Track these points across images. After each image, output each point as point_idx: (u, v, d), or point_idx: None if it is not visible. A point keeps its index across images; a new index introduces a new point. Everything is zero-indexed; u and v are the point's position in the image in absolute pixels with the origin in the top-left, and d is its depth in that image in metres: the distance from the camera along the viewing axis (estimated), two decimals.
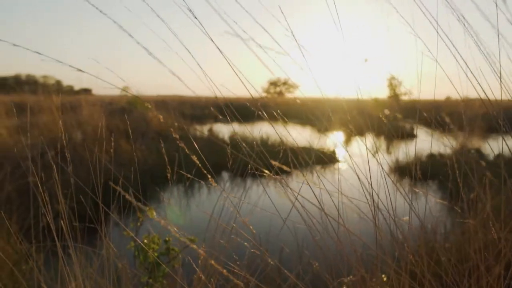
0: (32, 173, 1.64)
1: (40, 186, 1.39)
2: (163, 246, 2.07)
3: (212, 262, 1.26)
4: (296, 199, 1.32)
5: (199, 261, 1.76)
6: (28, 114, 1.52)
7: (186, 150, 1.72)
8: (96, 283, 1.90)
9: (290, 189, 1.30)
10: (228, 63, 1.28)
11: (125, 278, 1.92)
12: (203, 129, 10.51)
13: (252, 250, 1.61)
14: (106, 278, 1.63)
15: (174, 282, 2.00)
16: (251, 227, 1.55)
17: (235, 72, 1.26)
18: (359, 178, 1.40)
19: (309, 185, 1.34)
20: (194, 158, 1.17)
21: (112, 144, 2.04)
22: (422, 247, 1.69)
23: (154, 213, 2.03)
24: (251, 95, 1.42)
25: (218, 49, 1.34)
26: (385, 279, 1.75)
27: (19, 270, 2.43)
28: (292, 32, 1.34)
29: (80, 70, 0.97)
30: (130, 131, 2.58)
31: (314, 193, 1.34)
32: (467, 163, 1.94)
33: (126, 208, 1.95)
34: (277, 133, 1.58)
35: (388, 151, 8.10)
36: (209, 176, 1.56)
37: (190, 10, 1.09)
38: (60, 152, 1.94)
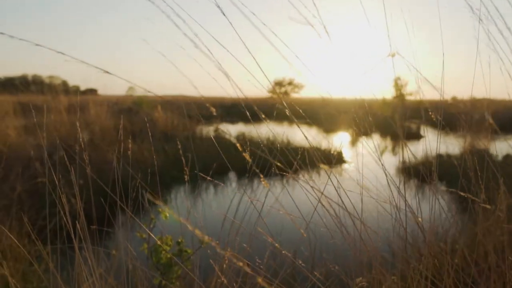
0: (47, 173, 1.64)
1: (58, 188, 1.38)
2: (175, 248, 2.06)
3: (241, 264, 1.25)
4: (319, 199, 1.30)
5: (214, 262, 1.74)
6: (44, 114, 1.51)
7: (193, 150, 1.70)
8: (109, 285, 1.89)
9: (313, 188, 1.28)
10: (244, 66, 1.26)
11: (139, 279, 1.90)
12: (210, 129, 10.50)
13: (271, 250, 1.60)
14: (124, 282, 1.61)
15: (187, 284, 1.99)
16: (264, 228, 1.53)
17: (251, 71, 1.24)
18: (388, 179, 1.38)
19: (333, 184, 1.32)
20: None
21: (124, 144, 2.02)
22: (446, 246, 1.67)
23: (168, 215, 2.02)
24: (275, 94, 1.40)
25: (246, 47, 1.32)
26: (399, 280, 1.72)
27: (32, 271, 2.43)
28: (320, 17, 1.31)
29: (107, 72, 0.96)
30: (135, 131, 2.57)
31: (338, 193, 1.32)
32: (478, 163, 1.91)
33: (134, 208, 1.94)
34: (303, 133, 1.55)
35: (398, 151, 8.05)
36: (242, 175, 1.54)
37: (218, 6, 1.08)
38: (69, 152, 1.94)
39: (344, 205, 1.30)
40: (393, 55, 1.60)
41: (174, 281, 1.95)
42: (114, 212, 1.95)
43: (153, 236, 1.79)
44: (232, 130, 11.41)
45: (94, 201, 2.03)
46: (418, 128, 12.80)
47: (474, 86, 1.75)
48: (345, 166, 7.83)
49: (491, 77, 1.74)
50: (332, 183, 1.33)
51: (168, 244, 2.05)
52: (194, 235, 1.92)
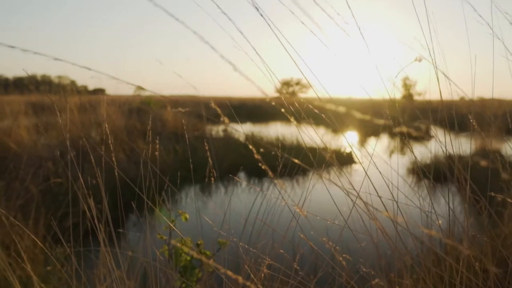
0: (70, 174, 1.62)
1: (86, 189, 1.36)
2: (194, 249, 2.03)
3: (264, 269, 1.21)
4: (354, 201, 1.27)
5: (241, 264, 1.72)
6: (67, 113, 1.49)
7: (206, 148, 1.67)
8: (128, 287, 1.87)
9: (347, 189, 1.25)
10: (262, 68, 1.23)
11: (159, 282, 1.88)
12: (218, 130, 10.49)
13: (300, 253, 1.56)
14: (143, 283, 1.59)
15: (208, 287, 1.96)
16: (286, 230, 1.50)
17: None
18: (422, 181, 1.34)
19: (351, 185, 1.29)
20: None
21: (136, 144, 2.00)
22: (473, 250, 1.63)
23: (188, 216, 2.00)
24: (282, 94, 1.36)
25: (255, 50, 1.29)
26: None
27: (50, 272, 2.41)
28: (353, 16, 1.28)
29: (115, 78, 0.92)
30: (146, 131, 2.55)
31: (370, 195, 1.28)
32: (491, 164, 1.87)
33: (145, 209, 1.92)
34: (335, 128, 1.52)
35: (407, 152, 7.98)
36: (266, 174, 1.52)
37: (256, 7, 1.05)
38: (88, 152, 1.91)
39: (385, 208, 1.27)
40: (419, 60, 1.56)
41: (195, 284, 1.92)
42: (126, 213, 1.93)
43: (180, 234, 1.76)
44: (240, 130, 11.38)
45: (113, 201, 2.02)
46: (428, 128, 12.70)
47: (484, 86, 1.72)
48: (360, 166, 7.78)
49: (501, 77, 1.71)
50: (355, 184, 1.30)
51: (188, 246, 2.02)
52: (214, 237, 1.90)
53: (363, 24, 1.44)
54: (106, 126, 1.82)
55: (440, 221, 1.73)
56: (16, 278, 1.60)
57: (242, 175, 7.09)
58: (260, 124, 16.20)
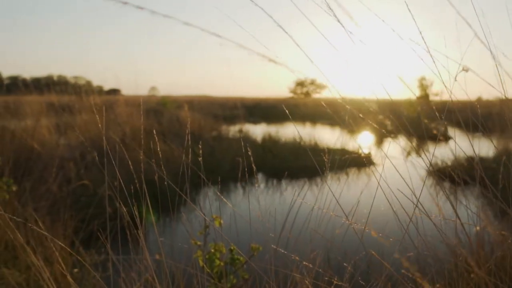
0: (106, 177, 1.58)
1: (116, 193, 1.32)
2: (227, 255, 1.98)
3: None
4: (416, 206, 1.20)
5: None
6: (103, 112, 1.45)
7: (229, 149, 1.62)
8: None
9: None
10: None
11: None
12: (234, 130, 10.46)
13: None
14: None
15: None
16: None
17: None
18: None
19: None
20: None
21: (154, 145, 1.96)
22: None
23: (221, 221, 1.95)
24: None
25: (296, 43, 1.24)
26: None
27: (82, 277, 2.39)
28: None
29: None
30: (164, 131, 2.51)
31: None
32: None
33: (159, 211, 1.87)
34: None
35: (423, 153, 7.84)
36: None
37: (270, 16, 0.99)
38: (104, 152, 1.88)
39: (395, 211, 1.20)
40: (466, 70, 1.50)
41: None
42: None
43: (227, 237, 1.72)
44: (256, 130, 11.34)
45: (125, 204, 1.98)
46: (446, 129, 12.51)
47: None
48: (377, 168, 7.67)
49: None
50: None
51: (221, 252, 1.97)
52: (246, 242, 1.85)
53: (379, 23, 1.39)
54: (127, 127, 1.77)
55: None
56: (52, 281, 1.57)
57: (260, 176, 7.03)
58: (276, 124, 16.12)
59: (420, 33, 1.33)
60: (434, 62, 1.39)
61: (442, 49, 1.46)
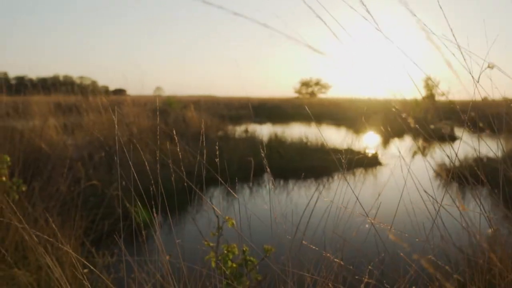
0: (119, 178, 1.57)
1: (126, 192, 1.30)
2: (239, 256, 1.97)
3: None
4: (438, 209, 1.18)
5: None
6: (116, 111, 1.44)
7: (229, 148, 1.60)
8: None
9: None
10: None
11: None
12: (240, 130, 10.43)
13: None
14: None
15: None
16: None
17: None
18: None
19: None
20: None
21: (163, 145, 1.94)
22: None
23: (234, 222, 1.93)
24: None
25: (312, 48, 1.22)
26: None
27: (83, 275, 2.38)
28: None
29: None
30: (170, 131, 2.50)
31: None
32: None
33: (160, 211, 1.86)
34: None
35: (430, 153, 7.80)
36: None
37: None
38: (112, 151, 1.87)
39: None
40: (492, 67, 1.47)
41: None
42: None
43: (245, 236, 1.70)
44: (262, 130, 11.31)
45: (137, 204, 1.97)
46: (452, 130, 12.46)
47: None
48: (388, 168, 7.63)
49: None
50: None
51: (234, 253, 1.96)
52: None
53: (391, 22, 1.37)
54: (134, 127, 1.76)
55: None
56: (66, 280, 1.57)
57: (266, 176, 7.01)
58: (281, 124, 16.08)
59: (451, 30, 1.31)
60: (464, 59, 1.37)
61: (466, 47, 1.44)
